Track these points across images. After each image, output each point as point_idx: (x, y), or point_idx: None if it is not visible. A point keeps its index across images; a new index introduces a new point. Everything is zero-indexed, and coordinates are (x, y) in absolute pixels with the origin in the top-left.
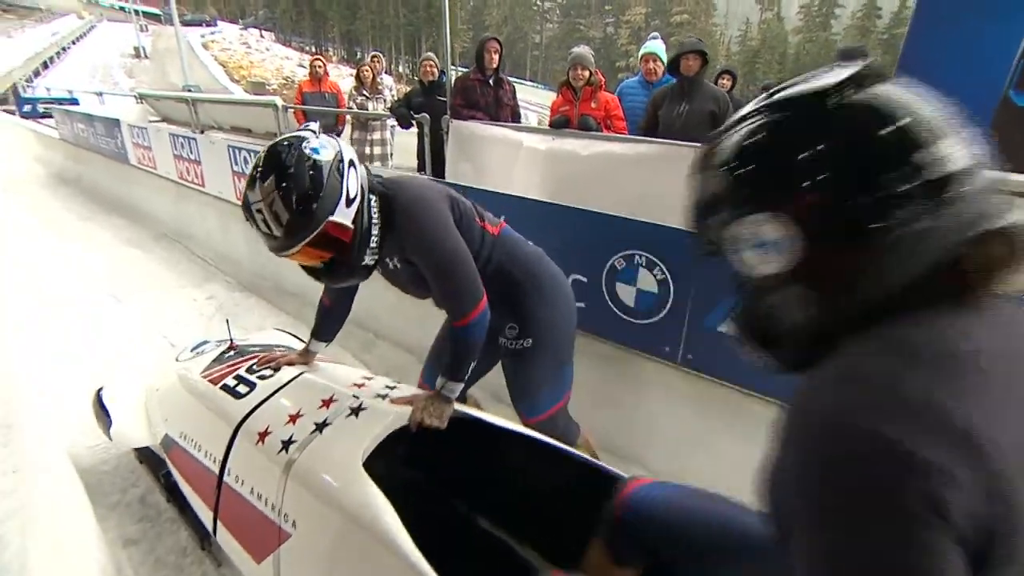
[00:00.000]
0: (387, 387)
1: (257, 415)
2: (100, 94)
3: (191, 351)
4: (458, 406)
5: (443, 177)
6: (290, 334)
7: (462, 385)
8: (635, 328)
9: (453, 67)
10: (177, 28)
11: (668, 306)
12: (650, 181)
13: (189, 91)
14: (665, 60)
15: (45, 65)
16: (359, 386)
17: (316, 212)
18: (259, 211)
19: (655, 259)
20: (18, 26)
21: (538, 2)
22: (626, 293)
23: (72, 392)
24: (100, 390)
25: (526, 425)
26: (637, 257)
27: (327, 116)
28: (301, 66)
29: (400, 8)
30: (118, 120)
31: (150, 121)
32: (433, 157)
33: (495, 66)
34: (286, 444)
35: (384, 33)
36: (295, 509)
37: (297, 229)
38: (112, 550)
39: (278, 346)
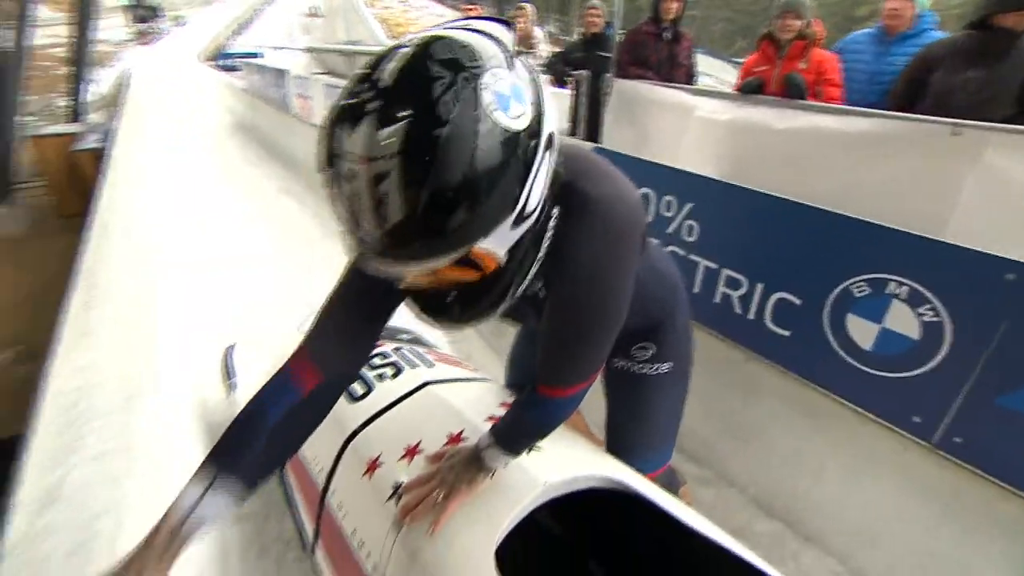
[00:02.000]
0: None
1: (370, 432)
2: (278, 48)
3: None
4: (627, 477)
5: (598, 142)
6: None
7: (510, 460)
8: (867, 380)
9: (610, 25)
10: None
11: (935, 361)
12: (871, 169)
13: (352, 44)
14: (920, 2)
15: (244, 26)
16: (496, 421)
17: (460, 229)
18: (353, 176)
19: (924, 291)
20: None
21: None
22: (862, 331)
23: (217, 340)
24: (231, 348)
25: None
26: (893, 284)
27: None
28: None
29: None
30: (285, 70)
31: (313, 73)
32: (589, 120)
33: (673, 17)
34: (399, 491)
35: None
36: None
37: (411, 241)
38: (221, 526)
39: (405, 330)
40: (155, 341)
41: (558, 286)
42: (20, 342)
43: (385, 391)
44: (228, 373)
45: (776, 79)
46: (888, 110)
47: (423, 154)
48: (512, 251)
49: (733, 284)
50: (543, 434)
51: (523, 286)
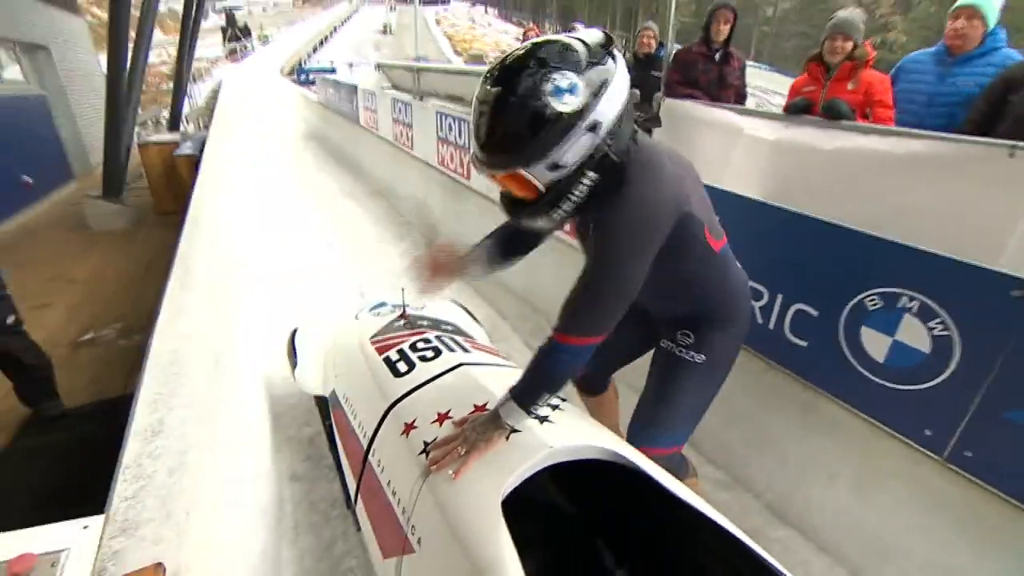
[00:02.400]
0: (550, 406)
1: (409, 402)
2: (351, 64)
3: (370, 310)
4: (627, 450)
5: None
6: (464, 309)
7: (524, 416)
8: (880, 392)
9: (676, 44)
10: (416, 8)
11: (945, 375)
12: (922, 192)
13: (417, 61)
14: (992, 20)
15: (321, 43)
16: None
17: (511, 156)
18: (475, 113)
19: (934, 306)
20: (311, 13)
21: None
22: (875, 343)
23: (283, 324)
24: (295, 332)
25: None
26: (905, 299)
27: None
28: (517, 39)
29: None
30: (356, 86)
31: (382, 88)
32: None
33: (724, 38)
34: (427, 446)
35: (601, 7)
36: (424, 526)
37: (488, 155)
38: (280, 481)
39: (448, 323)
40: (235, 319)
41: (596, 232)
42: (121, 320)
43: (425, 369)
44: (292, 352)
45: (822, 99)
46: (964, 133)
47: (500, 109)
48: (550, 187)
49: (755, 295)
50: (552, 384)
51: (555, 216)
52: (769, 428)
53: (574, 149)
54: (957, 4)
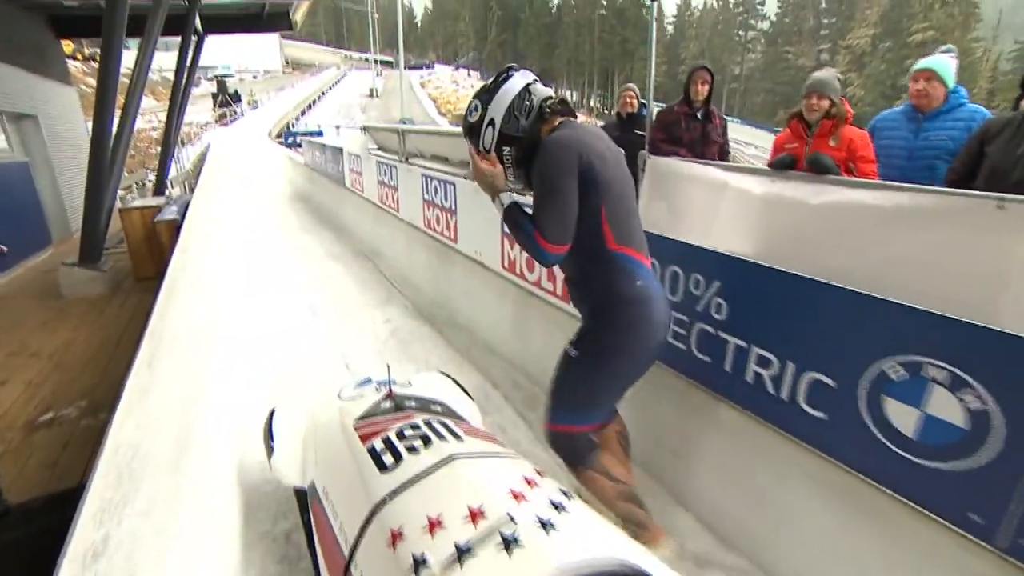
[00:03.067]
0: (554, 506)
1: (395, 504)
2: (337, 127)
3: (354, 388)
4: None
5: None
6: (453, 380)
7: (500, 213)
8: (913, 470)
9: (657, 103)
10: (401, 72)
11: (986, 452)
12: (909, 244)
13: (403, 123)
14: (950, 82)
15: (309, 107)
16: (518, 497)
17: (470, 136)
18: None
19: (966, 376)
20: (299, 79)
21: (740, 32)
22: (902, 415)
23: (261, 398)
24: (273, 413)
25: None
26: (930, 368)
27: None
28: None
29: (596, 45)
30: (341, 148)
31: (368, 150)
32: None
33: (704, 98)
34: (417, 565)
35: (578, 69)
36: None
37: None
38: None
39: (437, 402)
40: (208, 396)
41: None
42: (86, 396)
43: (413, 463)
44: (269, 437)
45: (806, 155)
46: (947, 184)
47: (469, 110)
48: (501, 160)
49: (764, 363)
50: (523, 245)
51: (511, 179)
52: (785, 503)
53: (485, 137)
54: (915, 68)
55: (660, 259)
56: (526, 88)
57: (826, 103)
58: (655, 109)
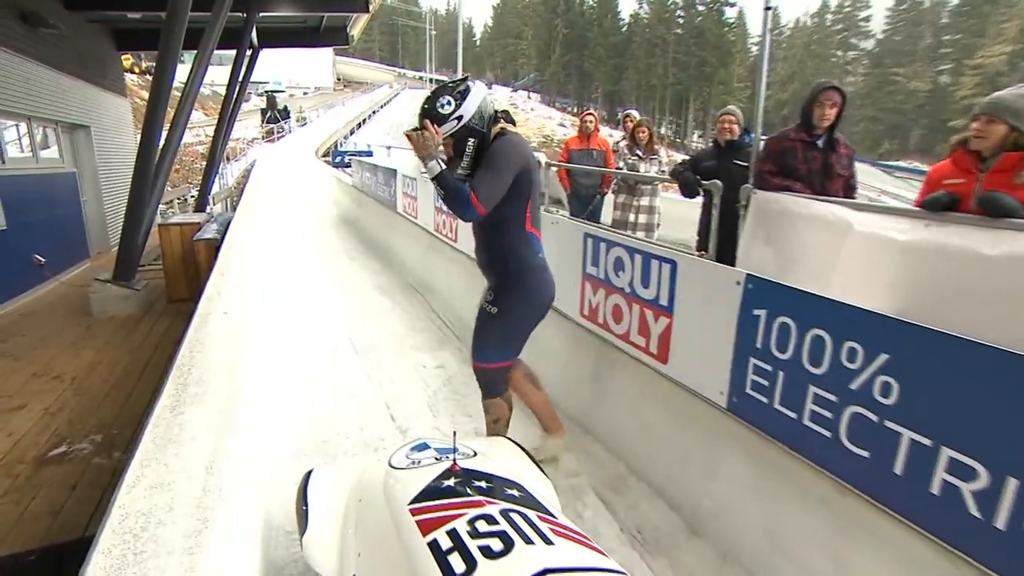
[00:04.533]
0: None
1: None
2: (388, 148)
3: (407, 455)
4: None
5: (732, 263)
6: (524, 450)
7: (432, 176)
8: None
9: (748, 132)
10: None
11: None
12: None
13: None
14: None
15: (359, 126)
16: None
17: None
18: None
19: None
20: (350, 97)
21: (838, 52)
22: None
23: (295, 456)
24: (309, 475)
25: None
26: None
27: (593, 176)
28: (561, 125)
29: (669, 67)
30: (395, 170)
31: (421, 173)
32: (722, 235)
33: (830, 124)
34: None
35: (649, 93)
36: None
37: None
38: None
39: (513, 483)
40: (230, 458)
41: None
42: (103, 430)
43: (492, 573)
44: (303, 505)
45: (976, 193)
46: None
47: (440, 103)
48: (455, 146)
49: (962, 472)
50: (452, 201)
51: (464, 165)
52: None
53: (448, 126)
54: None
55: (797, 318)
56: (486, 96)
57: (1002, 128)
58: (760, 136)
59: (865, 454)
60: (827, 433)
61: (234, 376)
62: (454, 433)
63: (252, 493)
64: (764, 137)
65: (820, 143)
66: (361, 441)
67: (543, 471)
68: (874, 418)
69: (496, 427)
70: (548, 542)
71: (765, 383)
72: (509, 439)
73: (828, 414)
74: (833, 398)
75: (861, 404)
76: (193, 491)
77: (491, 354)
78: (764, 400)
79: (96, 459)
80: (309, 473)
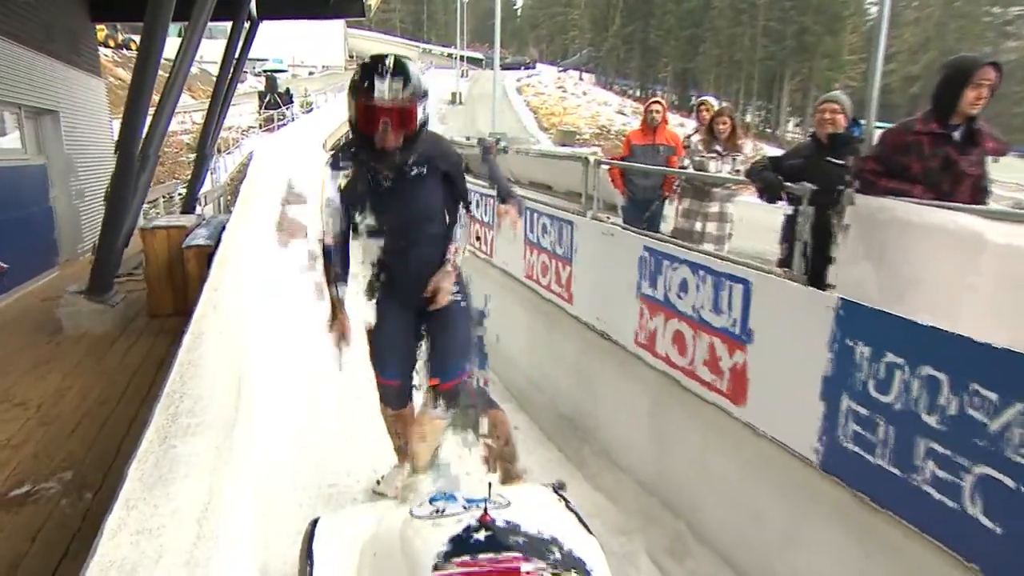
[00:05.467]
0: None
1: None
2: None
3: (431, 503)
4: None
5: (821, 285)
6: (565, 501)
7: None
8: None
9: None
10: (496, 73)
11: None
12: None
13: (497, 140)
14: None
15: None
16: None
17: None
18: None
19: None
20: None
21: (994, 9)
22: None
23: (297, 503)
24: (315, 525)
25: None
26: None
27: (652, 177)
28: (620, 113)
29: (759, 38)
30: None
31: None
32: (812, 249)
33: (974, 112)
34: None
35: (732, 71)
36: None
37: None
38: None
39: (552, 541)
40: (222, 515)
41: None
42: (73, 467)
43: None
44: (308, 560)
45: None
46: None
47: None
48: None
49: None
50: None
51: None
52: None
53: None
54: None
55: (905, 353)
56: None
57: None
58: (875, 125)
59: (997, 529)
60: (949, 502)
61: (232, 406)
62: (489, 485)
63: (250, 545)
64: (881, 126)
65: (956, 135)
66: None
67: (587, 527)
68: (1012, 484)
69: (508, 450)
70: None
71: (866, 435)
72: (553, 489)
73: (949, 476)
74: (961, 459)
75: (996, 466)
76: (185, 539)
77: (466, 359)
78: (866, 456)
79: (64, 500)
80: (315, 522)
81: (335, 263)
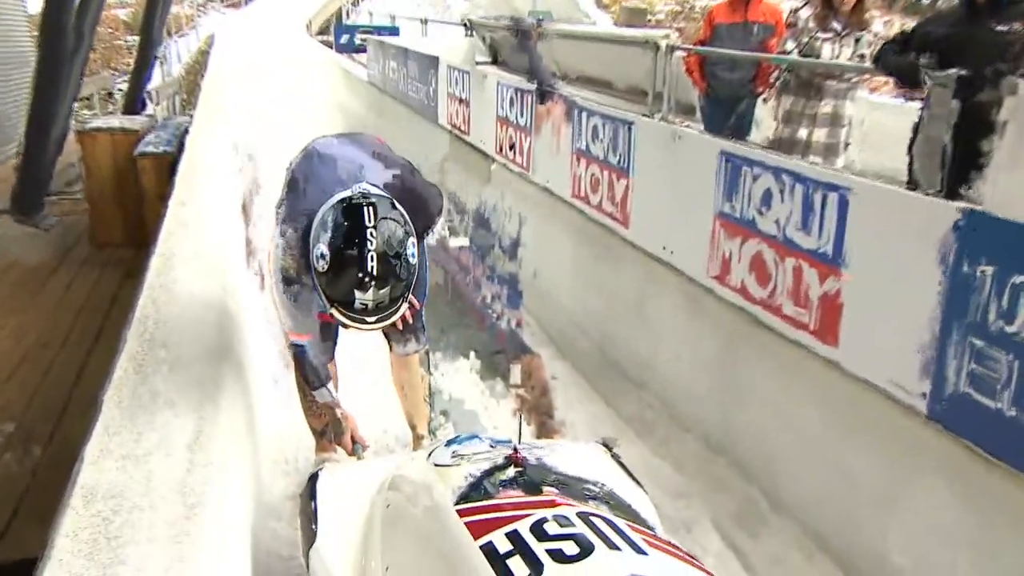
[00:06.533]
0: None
1: None
2: (424, 21)
3: (453, 447)
4: None
5: (969, 198)
6: (616, 457)
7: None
8: None
9: None
10: None
11: None
12: None
13: (539, 21)
14: None
15: None
16: None
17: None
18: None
19: None
20: None
21: None
22: None
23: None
24: (316, 477)
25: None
26: None
27: (741, 66)
28: None
29: None
30: (437, 58)
31: (477, 63)
32: (959, 155)
33: None
34: None
35: None
36: None
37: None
38: None
39: (593, 482)
40: (217, 446)
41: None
42: (15, 418)
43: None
44: (310, 514)
45: None
46: None
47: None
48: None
49: None
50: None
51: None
52: None
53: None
54: None
55: None
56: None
57: None
58: None
59: None
60: None
61: (218, 336)
62: (520, 414)
63: (244, 476)
64: None
65: None
66: (383, 445)
67: (639, 484)
68: None
69: (544, 401)
70: (640, 551)
71: (992, 376)
72: (603, 444)
73: None
74: None
75: None
76: (178, 467)
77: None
78: (989, 403)
79: (8, 455)
80: (316, 474)
81: (317, 364)
